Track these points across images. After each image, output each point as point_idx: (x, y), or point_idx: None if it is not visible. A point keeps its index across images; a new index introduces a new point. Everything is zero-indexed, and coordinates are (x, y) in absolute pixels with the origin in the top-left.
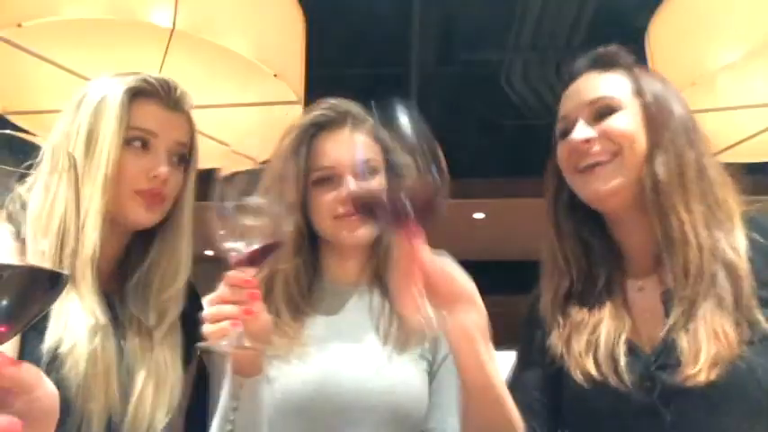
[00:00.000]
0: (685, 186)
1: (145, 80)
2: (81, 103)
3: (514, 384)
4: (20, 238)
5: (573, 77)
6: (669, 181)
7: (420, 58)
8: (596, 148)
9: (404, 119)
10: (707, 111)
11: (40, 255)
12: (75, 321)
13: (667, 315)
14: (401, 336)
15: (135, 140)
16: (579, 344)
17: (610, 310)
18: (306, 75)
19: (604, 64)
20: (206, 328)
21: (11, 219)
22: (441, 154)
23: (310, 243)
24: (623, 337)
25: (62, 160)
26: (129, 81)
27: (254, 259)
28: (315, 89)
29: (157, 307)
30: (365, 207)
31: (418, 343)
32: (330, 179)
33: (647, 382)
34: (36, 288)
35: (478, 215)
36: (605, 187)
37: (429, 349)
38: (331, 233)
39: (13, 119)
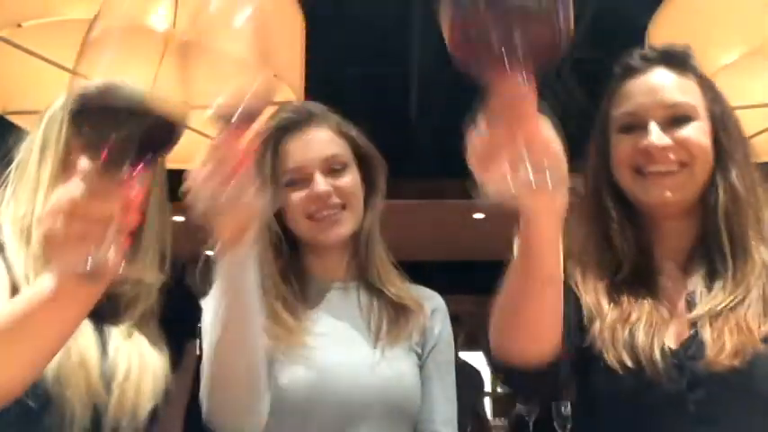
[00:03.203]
0: (750, 203)
1: (93, 85)
2: (42, 116)
3: None
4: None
5: (639, 69)
6: (747, 200)
7: (420, 59)
8: (671, 156)
9: None
10: None
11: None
12: None
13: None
14: (392, 331)
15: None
16: (623, 333)
17: (651, 305)
18: (306, 75)
19: (678, 64)
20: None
21: None
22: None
23: (291, 244)
24: (660, 333)
25: (27, 173)
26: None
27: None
28: (315, 89)
29: (127, 300)
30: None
31: (407, 337)
32: (299, 180)
33: (677, 371)
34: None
35: (478, 215)
36: (674, 197)
37: (418, 342)
38: (306, 233)
39: (13, 119)
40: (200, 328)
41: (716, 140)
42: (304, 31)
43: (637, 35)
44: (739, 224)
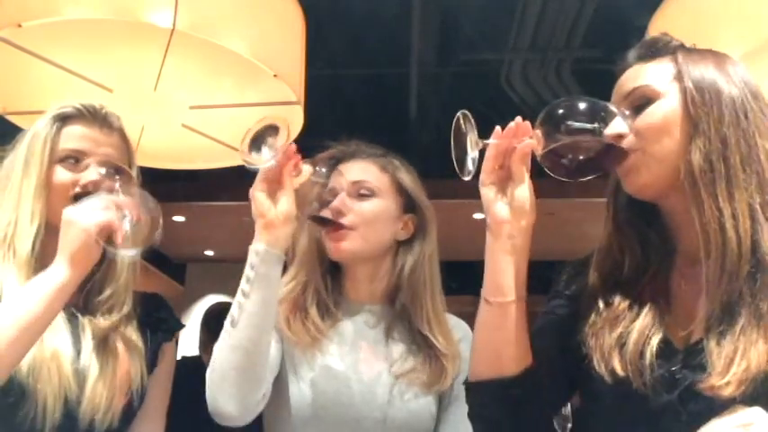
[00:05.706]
0: (729, 173)
1: (73, 107)
2: (23, 136)
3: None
4: None
5: (621, 72)
6: (707, 168)
7: (420, 58)
8: (630, 141)
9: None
10: None
11: None
12: None
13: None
14: (422, 374)
15: (68, 159)
16: (610, 337)
17: (650, 305)
18: (306, 75)
19: (648, 53)
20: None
21: None
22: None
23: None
24: (657, 335)
25: (10, 184)
26: (59, 109)
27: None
28: (315, 89)
29: (105, 304)
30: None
31: (433, 377)
32: (331, 199)
33: (670, 379)
34: None
35: (478, 215)
36: (637, 181)
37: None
38: (324, 244)
39: (13, 119)
40: (175, 332)
41: (687, 113)
42: (304, 31)
43: (637, 35)
44: (698, 203)
